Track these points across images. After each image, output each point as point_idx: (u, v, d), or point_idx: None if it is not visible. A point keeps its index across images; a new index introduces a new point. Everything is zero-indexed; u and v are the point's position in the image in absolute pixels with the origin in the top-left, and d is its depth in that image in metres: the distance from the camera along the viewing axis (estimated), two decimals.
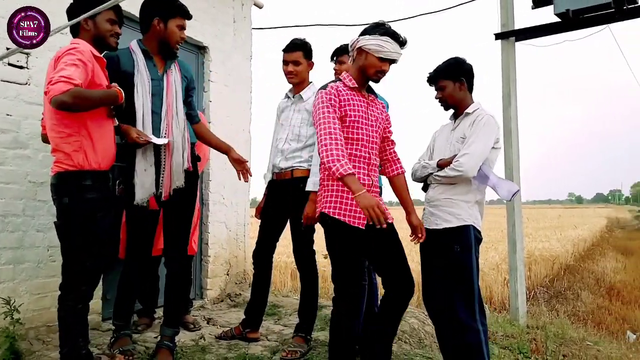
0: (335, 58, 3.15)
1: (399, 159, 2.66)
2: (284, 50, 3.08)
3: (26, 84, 2.96)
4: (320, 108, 2.35)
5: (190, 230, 2.88)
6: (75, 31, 2.40)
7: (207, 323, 3.62)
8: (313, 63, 3.13)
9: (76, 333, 2.27)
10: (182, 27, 2.64)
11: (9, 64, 2.86)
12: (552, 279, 10.85)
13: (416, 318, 3.98)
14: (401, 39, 2.39)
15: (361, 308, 2.37)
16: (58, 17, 2.46)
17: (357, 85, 2.44)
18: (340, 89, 2.41)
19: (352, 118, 2.38)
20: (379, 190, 2.56)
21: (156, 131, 2.54)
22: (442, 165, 2.63)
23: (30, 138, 2.96)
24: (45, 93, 2.13)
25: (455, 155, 2.59)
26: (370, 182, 2.42)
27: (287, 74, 3.07)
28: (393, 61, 2.41)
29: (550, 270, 11.21)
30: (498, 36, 5.54)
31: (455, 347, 2.56)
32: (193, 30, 3.95)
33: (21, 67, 2.93)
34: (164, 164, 2.57)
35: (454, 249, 2.55)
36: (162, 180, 2.57)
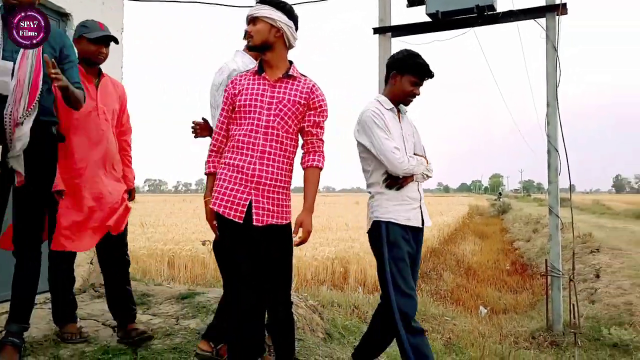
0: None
1: (315, 151, 2.34)
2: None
3: None
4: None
5: (43, 219, 2.57)
6: None
7: None
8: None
9: None
10: None
11: None
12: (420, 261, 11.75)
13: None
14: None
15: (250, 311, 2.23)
16: None
17: (256, 69, 2.32)
18: (240, 76, 2.33)
19: (242, 103, 2.25)
20: (278, 184, 2.25)
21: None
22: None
23: None
24: None
25: (422, 154, 2.80)
26: (258, 174, 2.20)
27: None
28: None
29: None
30: (376, 31, 5.77)
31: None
32: None
33: None
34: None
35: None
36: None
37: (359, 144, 2.72)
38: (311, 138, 2.32)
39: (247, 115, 2.23)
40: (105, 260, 2.85)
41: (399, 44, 6.15)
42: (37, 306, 3.47)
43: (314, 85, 2.32)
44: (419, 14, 5.52)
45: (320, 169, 2.34)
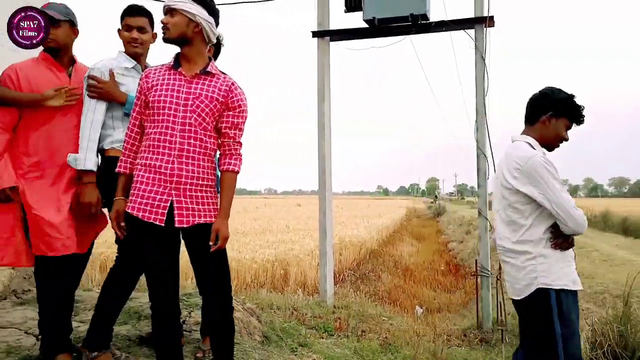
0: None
1: (231, 154, 2.24)
2: (128, 14, 2.64)
3: None
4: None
5: None
6: None
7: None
8: (156, 35, 2.73)
9: None
10: None
11: None
12: (359, 263, 11.95)
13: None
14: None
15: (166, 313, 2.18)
16: None
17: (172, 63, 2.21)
18: (154, 70, 2.23)
19: (156, 98, 2.14)
20: (200, 182, 2.16)
21: None
22: None
23: None
24: None
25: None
26: (178, 173, 2.10)
27: (132, 41, 2.61)
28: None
29: (358, 254, 12.34)
30: (315, 34, 5.83)
31: None
32: None
33: None
34: None
35: None
36: None
37: (517, 193, 2.34)
38: (228, 140, 2.22)
39: (162, 112, 2.12)
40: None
41: (337, 48, 6.25)
42: None
43: (233, 84, 2.22)
44: (358, 20, 5.64)
45: (236, 172, 2.24)
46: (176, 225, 2.10)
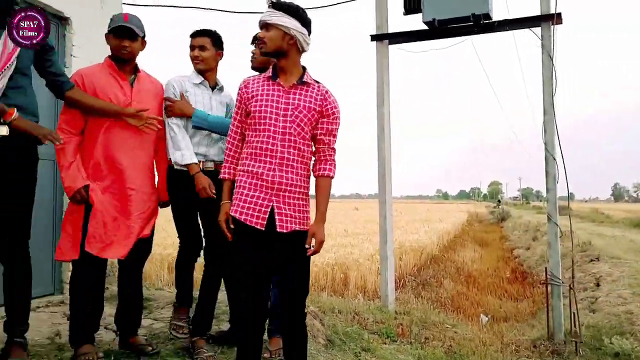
0: (255, 42, 3.04)
1: (326, 159, 2.34)
2: (191, 35, 2.96)
3: None
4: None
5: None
6: None
7: (67, 319, 3.31)
8: (222, 53, 3.02)
9: None
10: None
11: None
12: (419, 268, 11.74)
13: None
14: None
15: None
16: None
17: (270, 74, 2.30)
18: (252, 80, 2.33)
19: (257, 108, 2.24)
20: (298, 190, 2.26)
21: None
22: None
23: None
24: None
25: None
26: (279, 181, 2.20)
27: (193, 58, 2.92)
28: None
29: (419, 260, 12.12)
30: (373, 38, 5.81)
31: None
32: None
33: None
34: None
35: None
36: None
37: None
38: (323, 146, 2.34)
39: (264, 121, 2.22)
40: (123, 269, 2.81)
41: (396, 51, 6.18)
42: (39, 310, 3.48)
43: (327, 92, 2.32)
44: (417, 22, 5.56)
45: (332, 178, 2.35)
46: (277, 230, 2.18)
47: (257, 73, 2.96)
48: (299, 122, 2.23)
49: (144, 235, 2.70)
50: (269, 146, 2.21)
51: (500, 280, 10.92)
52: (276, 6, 2.23)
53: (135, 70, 2.75)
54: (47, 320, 3.33)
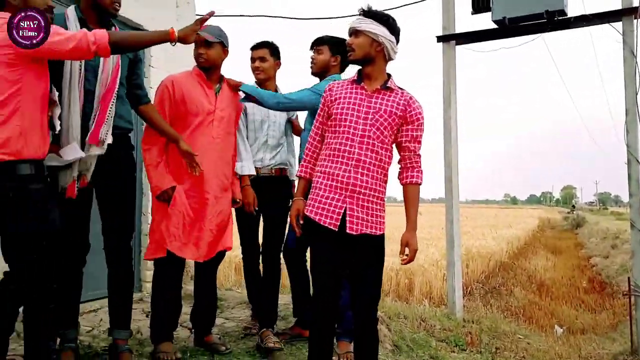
0: (314, 47, 3.12)
1: (412, 167, 2.33)
2: (252, 48, 3.16)
3: None
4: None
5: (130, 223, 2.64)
6: (1, 5, 2.08)
7: (147, 316, 3.50)
8: (280, 62, 3.20)
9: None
10: None
11: None
12: (487, 275, 11.34)
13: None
14: None
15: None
16: None
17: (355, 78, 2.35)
18: (337, 84, 2.38)
19: (338, 111, 2.28)
20: (372, 193, 2.26)
21: (87, 114, 2.29)
22: None
23: None
24: (65, 54, 2.00)
25: None
26: (353, 182, 2.21)
27: (254, 69, 3.12)
28: None
29: (486, 267, 11.71)
30: (440, 39, 5.69)
31: None
32: (133, 12, 3.81)
33: None
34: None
35: None
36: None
37: None
38: (409, 154, 2.32)
39: (343, 124, 2.25)
40: (200, 270, 2.93)
41: (463, 51, 6.02)
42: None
43: (411, 98, 2.30)
44: (483, 21, 5.40)
45: (419, 185, 2.33)
46: (347, 231, 2.20)
47: (318, 79, 3.06)
48: (379, 126, 2.23)
49: (227, 248, 2.81)
50: (347, 147, 2.22)
51: (576, 290, 10.34)
52: (366, 13, 2.26)
53: (221, 79, 2.83)
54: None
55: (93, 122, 2.29)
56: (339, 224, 2.20)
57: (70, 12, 2.32)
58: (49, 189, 2.11)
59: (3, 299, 2.03)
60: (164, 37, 2.20)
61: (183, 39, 2.24)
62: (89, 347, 2.69)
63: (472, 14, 5.59)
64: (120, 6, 2.40)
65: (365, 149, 2.22)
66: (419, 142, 2.33)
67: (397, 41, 2.29)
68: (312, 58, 3.12)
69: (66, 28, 2.21)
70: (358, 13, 2.29)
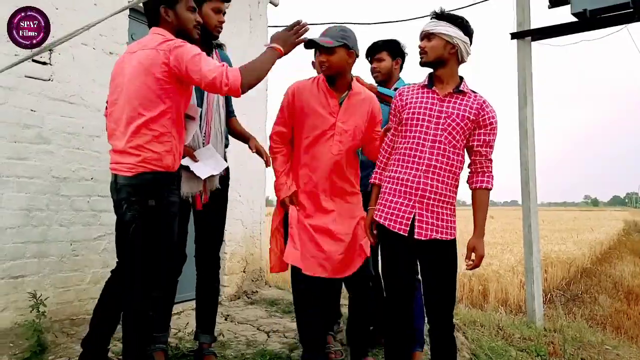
0: (370, 57, 3.11)
1: (483, 171, 2.26)
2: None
3: (49, 79, 3.01)
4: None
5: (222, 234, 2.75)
6: (155, 21, 2.16)
7: (225, 320, 3.65)
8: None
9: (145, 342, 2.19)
10: (219, 10, 2.46)
11: (33, 60, 2.89)
12: (568, 282, 10.72)
13: None
14: None
15: None
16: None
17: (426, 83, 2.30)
18: (407, 89, 2.36)
19: (409, 115, 2.26)
20: (442, 199, 2.21)
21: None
22: None
23: (53, 134, 3.01)
24: (200, 84, 2.02)
25: None
26: (423, 187, 2.18)
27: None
28: None
29: (567, 273, 11.08)
30: (514, 36, 5.47)
31: None
32: None
33: (44, 64, 2.98)
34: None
35: None
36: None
37: None
38: (480, 158, 2.25)
39: (414, 128, 2.22)
40: None
41: (539, 47, 5.76)
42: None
43: (484, 102, 2.24)
44: (560, 14, 5.14)
45: (489, 190, 2.26)
46: (415, 236, 2.18)
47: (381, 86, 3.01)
48: (451, 131, 2.19)
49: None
50: (417, 152, 2.20)
51: None
52: (440, 16, 2.23)
53: (349, 87, 2.58)
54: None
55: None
56: (408, 229, 2.18)
57: None
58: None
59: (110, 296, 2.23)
60: (277, 58, 2.16)
61: (287, 53, 2.21)
62: (176, 349, 2.83)
63: (549, 7, 5.34)
64: (222, 29, 2.53)
65: (437, 154, 2.18)
66: (491, 147, 2.26)
67: (471, 42, 2.24)
68: (373, 68, 3.08)
69: None
70: (431, 16, 2.26)
